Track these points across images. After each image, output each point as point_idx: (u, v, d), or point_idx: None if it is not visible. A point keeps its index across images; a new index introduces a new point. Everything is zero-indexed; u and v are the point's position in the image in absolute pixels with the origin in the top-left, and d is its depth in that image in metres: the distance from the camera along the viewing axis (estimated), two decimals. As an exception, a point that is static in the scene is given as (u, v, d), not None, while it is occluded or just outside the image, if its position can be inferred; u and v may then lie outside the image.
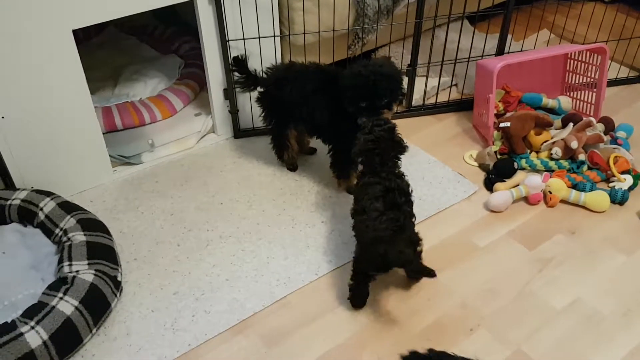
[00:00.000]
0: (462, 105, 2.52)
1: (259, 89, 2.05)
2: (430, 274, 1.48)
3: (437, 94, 2.57)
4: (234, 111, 2.26)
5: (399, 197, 1.56)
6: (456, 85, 2.65)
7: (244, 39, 2.10)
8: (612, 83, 2.59)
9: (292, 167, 2.19)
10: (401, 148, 1.72)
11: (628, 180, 2.05)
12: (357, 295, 1.66)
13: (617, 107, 2.47)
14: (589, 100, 2.39)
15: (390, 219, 1.51)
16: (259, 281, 1.77)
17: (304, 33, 2.17)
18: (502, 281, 1.77)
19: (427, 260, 1.66)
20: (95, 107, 1.99)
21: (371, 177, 1.62)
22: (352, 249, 1.84)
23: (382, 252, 1.46)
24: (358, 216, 1.59)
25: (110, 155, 2.11)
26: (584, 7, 2.56)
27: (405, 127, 2.24)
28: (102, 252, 1.70)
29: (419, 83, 2.49)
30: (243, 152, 2.27)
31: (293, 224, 1.97)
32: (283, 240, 1.91)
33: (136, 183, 2.14)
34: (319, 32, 2.17)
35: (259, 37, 2.11)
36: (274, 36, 2.14)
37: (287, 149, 2.11)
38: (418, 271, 1.61)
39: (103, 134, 2.07)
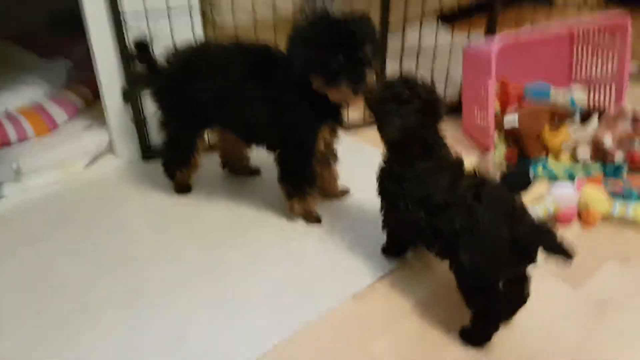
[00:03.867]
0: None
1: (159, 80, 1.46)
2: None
3: (413, 98, 2.01)
4: (138, 120, 1.62)
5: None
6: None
7: (146, 12, 1.49)
8: (624, 77, 2.10)
9: (185, 189, 1.58)
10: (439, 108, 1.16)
11: (685, 184, 1.49)
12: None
13: (635, 103, 1.96)
14: (607, 92, 1.87)
15: (495, 188, 1.08)
16: (162, 370, 1.09)
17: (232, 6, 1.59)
18: (547, 338, 1.15)
19: (439, 307, 1.18)
20: None
21: (424, 160, 1.13)
22: (313, 302, 1.21)
23: (507, 233, 1.00)
24: (440, 213, 1.07)
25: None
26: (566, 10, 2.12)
27: (377, 141, 1.61)
28: None
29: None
30: (153, 178, 1.62)
31: (223, 275, 1.31)
32: (207, 302, 1.24)
33: (-9, 226, 1.45)
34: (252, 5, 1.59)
35: (168, 9, 1.51)
36: (190, 7, 1.53)
37: (187, 165, 1.51)
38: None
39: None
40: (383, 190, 1.21)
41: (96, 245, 1.41)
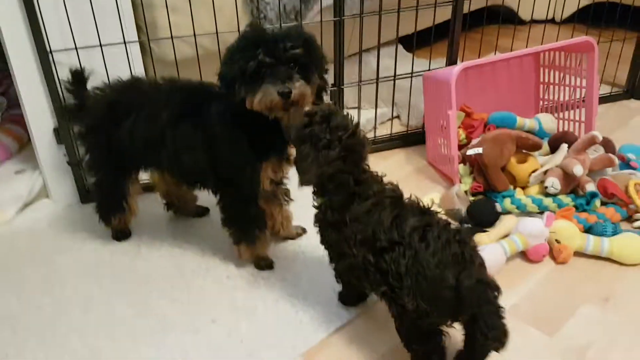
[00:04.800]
0: (410, 139, 1.89)
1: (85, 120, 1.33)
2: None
3: (375, 127, 1.92)
4: (74, 162, 1.49)
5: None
6: (398, 117, 2.03)
7: (76, 48, 1.37)
8: (594, 100, 2.03)
9: (122, 235, 1.45)
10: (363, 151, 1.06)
11: (662, 214, 1.41)
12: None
13: (609, 126, 1.88)
14: (576, 118, 1.78)
15: (444, 229, 0.98)
16: None
17: (172, 38, 1.47)
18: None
19: None
20: None
21: (359, 202, 1.03)
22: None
23: (453, 280, 0.92)
24: (387, 254, 0.98)
25: None
26: (532, 30, 2.04)
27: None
28: None
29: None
30: (91, 222, 1.48)
31: (162, 332, 1.18)
32: (141, 363, 1.11)
33: None
34: (194, 36, 1.48)
35: (101, 45, 1.39)
36: (125, 43, 1.42)
37: (122, 212, 1.38)
38: (496, 327, 0.94)
39: None
40: (326, 240, 1.09)
41: (22, 301, 1.26)
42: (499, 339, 0.93)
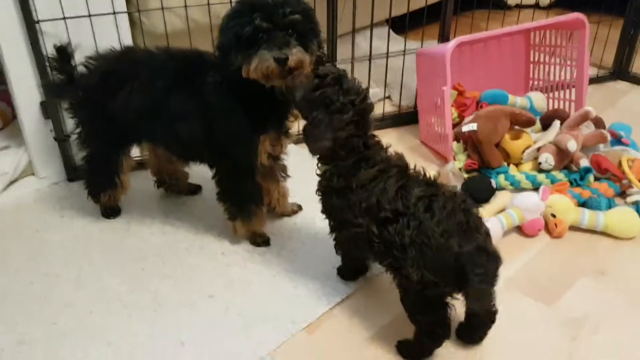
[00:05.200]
0: (402, 120, 1.89)
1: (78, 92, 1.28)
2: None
3: (366, 107, 1.89)
4: (61, 138, 1.45)
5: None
6: (390, 97, 2.01)
7: (64, 18, 1.33)
8: (582, 82, 2.04)
9: (112, 212, 1.41)
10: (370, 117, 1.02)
11: (654, 189, 1.42)
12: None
13: (598, 106, 1.88)
14: (566, 97, 1.79)
15: (450, 199, 0.94)
16: None
17: (162, 9, 1.43)
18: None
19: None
20: None
21: (366, 167, 1.01)
22: (258, 338, 1.07)
23: (457, 248, 0.90)
24: (390, 225, 0.96)
25: None
26: (521, 14, 2.05)
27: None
28: None
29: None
30: (79, 200, 1.45)
31: (155, 307, 1.15)
32: (136, 339, 1.07)
33: None
34: (185, 7, 1.44)
35: (90, 16, 1.35)
36: (114, 13, 1.38)
37: (113, 188, 1.34)
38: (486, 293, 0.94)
39: None
40: (328, 208, 1.07)
41: (8, 277, 1.22)
42: (484, 300, 0.93)
